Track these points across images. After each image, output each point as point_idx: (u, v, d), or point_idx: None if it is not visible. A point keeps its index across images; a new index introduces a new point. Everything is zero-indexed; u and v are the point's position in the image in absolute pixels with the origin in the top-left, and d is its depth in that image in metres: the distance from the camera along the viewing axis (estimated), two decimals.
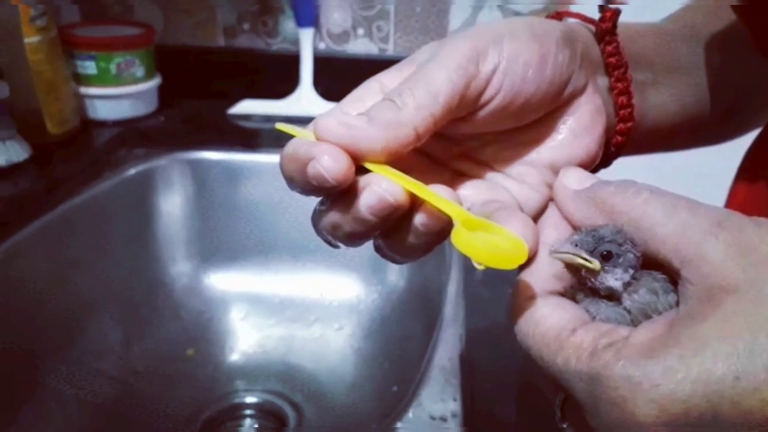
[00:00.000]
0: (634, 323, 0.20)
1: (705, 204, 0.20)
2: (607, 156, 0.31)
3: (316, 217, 0.25)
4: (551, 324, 0.20)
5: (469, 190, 0.27)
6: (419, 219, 0.23)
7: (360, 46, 0.89)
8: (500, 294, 0.52)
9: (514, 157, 0.28)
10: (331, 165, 0.21)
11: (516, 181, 0.27)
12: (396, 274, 0.76)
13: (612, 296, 0.21)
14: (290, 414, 0.66)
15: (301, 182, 0.23)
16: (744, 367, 0.17)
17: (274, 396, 0.68)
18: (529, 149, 0.28)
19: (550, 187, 0.27)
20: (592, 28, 0.30)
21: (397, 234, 0.24)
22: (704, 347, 0.17)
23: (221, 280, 0.79)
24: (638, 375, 0.17)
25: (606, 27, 0.29)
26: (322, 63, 0.86)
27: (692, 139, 0.38)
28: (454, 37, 0.25)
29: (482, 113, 0.25)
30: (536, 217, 0.26)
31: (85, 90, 0.78)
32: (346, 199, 0.23)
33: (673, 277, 0.20)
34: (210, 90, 0.89)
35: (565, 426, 0.22)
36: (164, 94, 0.86)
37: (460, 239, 0.21)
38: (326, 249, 0.88)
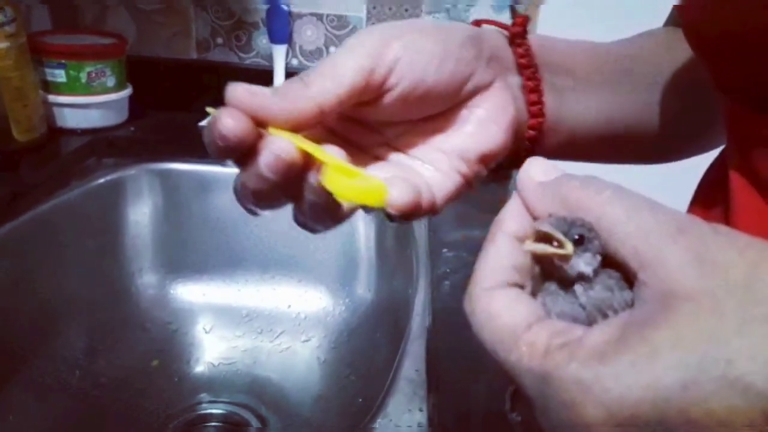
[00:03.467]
0: (590, 319, 0.20)
1: (667, 207, 0.19)
2: (523, 151, 0.34)
3: (234, 183, 0.28)
4: (507, 319, 0.20)
5: (387, 173, 0.29)
6: (312, 176, 0.26)
7: None
8: None
9: (427, 145, 0.31)
10: (230, 123, 0.24)
11: (429, 166, 0.31)
12: (363, 287, 0.77)
13: (570, 289, 0.20)
14: (256, 426, 0.66)
15: (213, 145, 0.25)
16: (693, 378, 0.16)
17: (239, 408, 0.68)
18: (441, 138, 0.31)
19: (461, 174, 0.31)
20: (506, 33, 0.34)
21: (300, 196, 0.27)
22: (655, 355, 0.17)
23: (188, 292, 0.79)
24: (589, 378, 0.17)
25: (516, 31, 0.33)
26: None
27: (622, 153, 0.40)
28: (366, 30, 0.29)
29: (387, 99, 0.28)
30: (448, 201, 0.30)
31: (54, 98, 0.77)
32: (251, 160, 0.26)
33: (629, 278, 0.20)
34: (181, 102, 0.90)
35: (513, 415, 0.22)
36: (135, 104, 0.85)
37: (328, 179, 0.25)
38: (295, 261, 0.88)
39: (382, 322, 0.71)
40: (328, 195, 0.25)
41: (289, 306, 0.78)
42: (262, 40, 0.90)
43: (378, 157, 0.31)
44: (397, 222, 0.28)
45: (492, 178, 0.34)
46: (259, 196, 0.27)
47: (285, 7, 0.85)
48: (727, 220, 0.31)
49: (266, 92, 0.26)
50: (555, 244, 0.20)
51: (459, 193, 0.31)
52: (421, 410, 0.43)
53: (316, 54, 0.90)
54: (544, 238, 0.20)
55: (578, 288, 0.20)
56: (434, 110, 0.31)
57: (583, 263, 0.20)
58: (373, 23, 0.87)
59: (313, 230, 0.29)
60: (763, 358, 0.16)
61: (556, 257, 0.20)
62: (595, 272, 0.20)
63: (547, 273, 0.21)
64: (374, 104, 0.29)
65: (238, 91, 0.25)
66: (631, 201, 0.20)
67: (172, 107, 0.89)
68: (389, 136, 0.32)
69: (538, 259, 0.21)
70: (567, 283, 0.21)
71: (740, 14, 0.26)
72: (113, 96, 0.81)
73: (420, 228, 0.67)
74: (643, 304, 0.19)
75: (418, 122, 0.31)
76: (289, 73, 0.87)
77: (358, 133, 0.31)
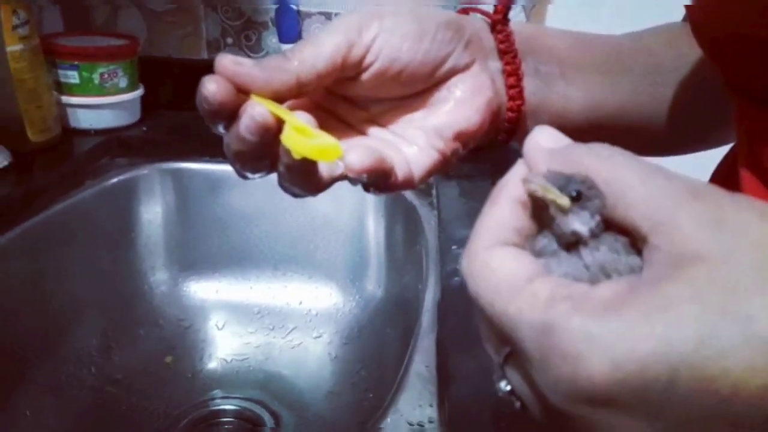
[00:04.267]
0: (593, 281, 0.19)
1: (682, 175, 0.18)
2: (503, 132, 0.36)
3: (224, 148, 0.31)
4: (507, 271, 0.19)
5: (368, 145, 0.31)
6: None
7: None
8: None
9: (408, 122, 0.33)
10: (213, 88, 0.27)
11: (407, 142, 0.33)
12: (374, 283, 0.78)
13: (575, 249, 0.19)
14: (268, 421, 0.67)
15: (200, 109, 0.28)
16: (710, 332, 0.15)
17: (252, 403, 0.69)
18: (420, 115, 0.33)
19: (437, 150, 0.33)
20: (488, 20, 0.35)
21: (276, 158, 0.29)
22: (671, 306, 0.16)
23: (200, 289, 0.80)
24: (596, 329, 0.16)
25: (497, 18, 0.35)
26: None
27: (617, 141, 0.40)
28: (350, 12, 0.31)
29: (366, 76, 0.31)
30: (426, 175, 0.32)
31: (67, 99, 0.78)
32: (234, 124, 0.28)
33: (637, 245, 0.19)
34: (193, 102, 0.90)
35: (503, 385, 0.21)
36: (147, 104, 0.86)
37: (286, 136, 0.27)
38: (305, 258, 0.89)
39: (393, 319, 0.71)
40: (305, 160, 0.28)
41: (301, 302, 0.79)
42: (271, 39, 0.90)
43: (363, 132, 0.34)
44: (374, 193, 0.31)
45: (473, 157, 0.36)
46: (241, 157, 0.29)
47: (294, 7, 0.86)
48: None
49: (250, 63, 0.28)
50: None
51: (436, 168, 0.33)
52: (431, 406, 0.43)
53: None
54: (540, 198, 0.19)
55: (583, 247, 0.19)
56: (412, 89, 0.32)
57: (579, 222, 0.19)
58: None
59: (294, 194, 0.31)
60: None
61: (554, 205, 0.19)
62: (594, 234, 0.19)
63: (546, 224, 0.20)
64: (355, 80, 0.31)
65: (224, 60, 0.28)
66: (644, 166, 0.19)
67: (183, 107, 0.90)
68: (374, 113, 0.34)
69: (535, 210, 0.20)
70: (563, 242, 0.20)
71: (748, 16, 0.26)
72: (125, 96, 0.82)
73: (429, 224, 0.67)
74: (654, 266, 0.17)
75: (401, 100, 0.33)
76: None
77: (345, 109, 0.34)
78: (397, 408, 0.43)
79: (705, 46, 0.32)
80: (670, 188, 0.18)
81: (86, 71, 0.78)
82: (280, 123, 0.28)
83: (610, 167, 0.19)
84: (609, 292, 0.17)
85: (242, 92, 0.28)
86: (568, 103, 0.36)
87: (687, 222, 0.17)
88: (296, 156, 0.27)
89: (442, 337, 0.49)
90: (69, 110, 0.79)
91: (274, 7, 0.87)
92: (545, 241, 0.20)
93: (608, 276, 0.19)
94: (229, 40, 0.91)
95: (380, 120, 0.34)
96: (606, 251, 0.19)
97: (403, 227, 0.72)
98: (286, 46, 0.86)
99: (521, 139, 0.37)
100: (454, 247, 0.61)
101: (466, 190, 0.68)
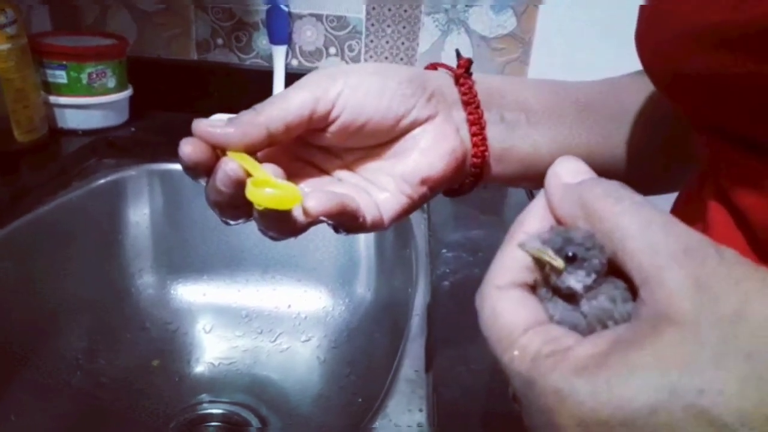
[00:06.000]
0: (589, 328, 0.21)
1: (681, 225, 0.20)
2: (470, 177, 0.38)
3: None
4: (507, 320, 0.21)
5: (343, 191, 0.34)
6: None
7: (332, 63, 0.91)
8: (467, 307, 0.54)
9: (378, 169, 0.36)
10: (188, 150, 0.31)
11: (378, 188, 0.35)
12: (363, 286, 0.77)
13: (573, 297, 0.21)
14: (256, 425, 0.66)
15: (181, 164, 0.32)
16: (663, 403, 0.17)
17: (239, 407, 0.68)
18: (389, 163, 0.36)
19: (406, 195, 0.35)
20: (451, 74, 0.38)
21: (251, 207, 0.31)
22: (631, 376, 0.18)
23: (188, 292, 0.79)
24: (566, 389, 0.18)
25: (459, 72, 0.37)
26: (294, 79, 0.87)
27: None
28: (318, 71, 0.34)
29: (333, 128, 0.34)
30: (395, 219, 0.35)
31: (55, 99, 0.78)
32: (211, 177, 0.32)
33: (634, 289, 0.20)
34: (182, 103, 0.90)
35: (516, 406, 0.23)
36: (136, 105, 0.86)
37: (248, 190, 0.30)
38: (294, 261, 0.88)
39: (382, 322, 0.71)
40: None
41: (289, 306, 0.79)
42: (262, 40, 0.90)
43: (338, 180, 0.36)
44: (344, 234, 0.34)
45: (451, 197, 0.40)
46: (219, 206, 0.33)
47: (285, 8, 0.86)
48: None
49: (222, 123, 0.32)
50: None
51: (405, 211, 0.36)
52: (420, 410, 0.43)
53: (316, 55, 0.90)
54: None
55: (581, 297, 0.21)
56: (377, 139, 0.35)
57: (574, 280, 0.21)
58: (373, 24, 0.88)
59: (272, 237, 0.34)
60: (732, 392, 0.17)
61: (549, 266, 0.21)
62: (590, 287, 0.21)
63: (546, 279, 0.22)
64: (324, 132, 0.34)
65: (200, 125, 0.31)
66: (647, 215, 0.20)
67: (172, 108, 0.90)
68: (347, 161, 0.37)
69: (536, 262, 0.22)
70: (560, 294, 0.21)
71: (686, 60, 0.26)
72: (114, 97, 0.81)
73: (420, 228, 0.67)
74: (637, 321, 0.19)
75: (370, 149, 0.36)
76: (289, 74, 0.88)
77: (321, 158, 0.37)
78: (386, 413, 0.43)
79: (661, 88, 0.32)
80: (665, 242, 0.19)
81: (74, 71, 0.77)
82: (246, 174, 0.31)
83: (616, 214, 0.20)
84: (586, 353, 0.19)
85: (219, 149, 0.32)
86: (537, 148, 0.39)
87: (671, 282, 0.18)
88: (258, 207, 0.30)
89: (431, 341, 0.49)
90: (56, 110, 0.78)
91: (265, 8, 0.87)
92: (544, 290, 0.22)
93: (604, 324, 0.20)
94: (219, 41, 0.91)
95: (353, 167, 0.37)
96: (603, 300, 0.20)
97: (393, 231, 0.72)
98: (276, 48, 0.86)
99: (487, 182, 0.39)
100: (444, 250, 0.61)
101: None
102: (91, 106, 0.79)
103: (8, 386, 0.60)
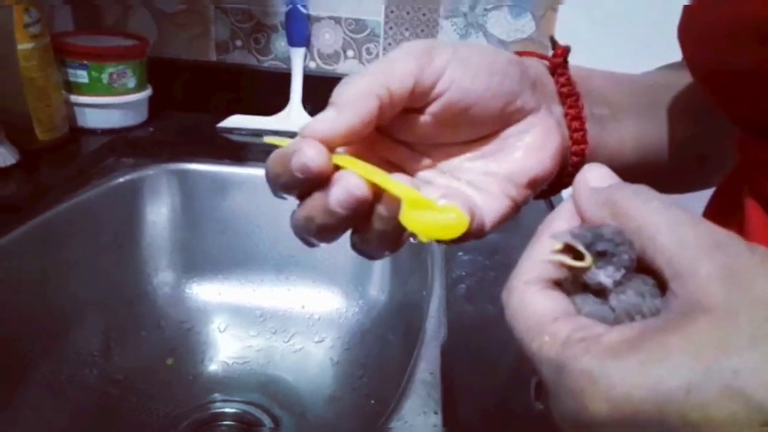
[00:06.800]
0: (618, 322, 0.21)
1: (709, 223, 0.20)
2: (566, 177, 0.34)
3: (293, 215, 0.28)
4: (536, 309, 0.21)
5: (434, 195, 0.28)
6: (382, 205, 0.26)
7: (349, 66, 0.91)
8: (482, 309, 0.54)
9: (477, 169, 0.31)
10: (313, 155, 0.25)
11: (478, 190, 0.30)
12: (377, 288, 0.77)
13: (602, 292, 0.21)
14: (269, 425, 0.66)
15: (287, 176, 0.26)
16: (697, 383, 0.17)
17: (252, 407, 0.68)
18: (490, 161, 0.31)
19: (510, 197, 0.30)
20: (547, 63, 0.34)
21: (365, 225, 0.27)
22: (665, 358, 0.18)
23: (203, 291, 0.79)
24: (598, 372, 0.18)
25: (557, 62, 0.34)
26: (311, 82, 0.88)
27: (656, 182, 0.41)
28: (413, 41, 0.29)
29: (434, 107, 0.28)
30: (497, 225, 0.30)
31: (75, 98, 0.79)
32: (319, 194, 0.26)
33: (663, 286, 0.20)
34: (200, 104, 0.91)
35: (537, 404, 0.23)
36: (155, 105, 0.87)
37: (406, 217, 0.24)
38: (309, 262, 0.88)
39: (395, 325, 0.71)
40: (398, 226, 0.25)
41: (303, 306, 0.79)
42: (280, 43, 0.91)
43: (426, 182, 0.31)
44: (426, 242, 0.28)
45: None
46: (325, 230, 0.27)
47: (303, 11, 0.86)
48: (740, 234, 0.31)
49: (332, 114, 0.26)
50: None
51: (507, 216, 0.30)
52: (435, 413, 0.43)
53: (334, 57, 0.91)
54: (569, 246, 0.21)
55: (610, 292, 0.21)
56: (477, 130, 0.30)
57: (604, 275, 0.21)
58: (391, 27, 0.88)
59: (372, 257, 0.29)
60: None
61: (574, 269, 0.21)
62: (620, 282, 0.21)
63: (574, 275, 0.22)
64: (420, 113, 0.29)
65: (311, 125, 0.26)
66: (675, 213, 0.20)
67: (191, 108, 0.90)
68: (438, 159, 0.31)
69: (562, 264, 0.22)
70: (590, 290, 0.21)
71: (735, 51, 0.26)
72: (133, 97, 0.82)
73: None
74: (668, 313, 0.19)
75: (467, 144, 0.31)
76: (307, 76, 0.88)
77: (406, 157, 0.31)
78: (401, 415, 0.43)
79: (700, 80, 0.32)
80: (695, 237, 0.19)
81: (95, 71, 0.78)
82: (374, 189, 0.25)
83: (645, 213, 0.21)
84: (618, 337, 0.19)
85: (331, 149, 0.26)
86: (622, 143, 0.36)
87: (703, 274, 0.18)
88: (424, 239, 0.24)
89: (446, 344, 0.49)
90: (77, 109, 0.79)
91: (284, 10, 0.87)
92: (572, 286, 0.22)
93: (632, 318, 0.21)
94: (239, 43, 0.91)
95: (443, 167, 0.31)
96: (632, 294, 0.21)
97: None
98: (295, 50, 0.87)
99: None
100: (460, 253, 0.61)
101: None
102: (111, 105, 0.80)
103: (24, 382, 0.60)
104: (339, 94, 0.26)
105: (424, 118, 0.29)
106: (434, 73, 0.27)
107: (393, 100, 0.27)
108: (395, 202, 0.25)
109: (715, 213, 0.37)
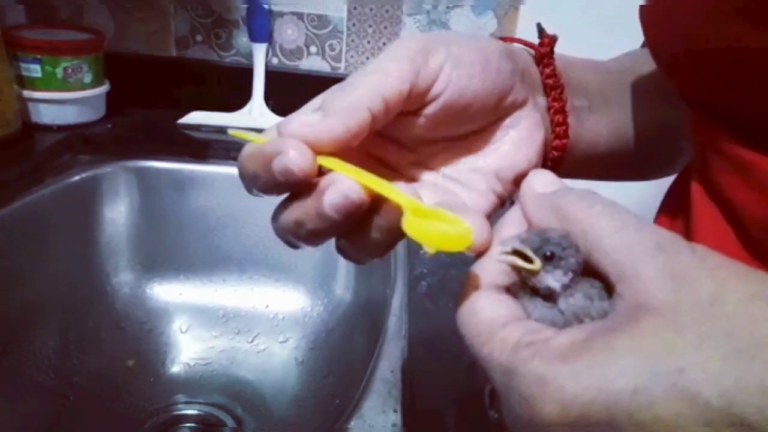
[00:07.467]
0: (567, 325, 0.21)
1: (652, 225, 0.20)
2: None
3: (278, 216, 0.26)
4: (486, 316, 0.21)
5: (423, 193, 0.27)
6: (381, 214, 0.24)
7: (312, 63, 0.90)
8: (443, 306, 0.54)
9: (463, 165, 0.30)
10: (297, 158, 0.23)
11: (465, 187, 0.30)
12: (342, 287, 0.77)
13: (551, 296, 0.22)
14: (231, 426, 0.66)
15: (266, 178, 0.24)
16: (644, 384, 0.17)
17: (215, 408, 0.68)
18: (477, 158, 0.30)
19: (496, 194, 0.30)
20: (533, 52, 0.33)
21: (358, 232, 0.25)
22: (612, 359, 0.18)
23: (164, 291, 0.78)
24: (548, 375, 0.19)
25: (544, 51, 0.33)
26: (274, 78, 0.87)
27: (626, 170, 0.40)
28: (404, 37, 0.27)
29: (431, 109, 0.27)
30: None
31: (29, 93, 0.76)
32: (308, 197, 0.24)
33: (609, 288, 0.21)
34: (160, 100, 0.89)
35: (492, 412, 0.23)
36: (113, 101, 0.84)
37: (410, 226, 0.22)
38: (273, 261, 0.87)
39: (360, 323, 0.71)
40: (396, 234, 0.24)
41: (267, 306, 0.78)
42: (242, 38, 0.89)
43: (412, 178, 0.30)
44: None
45: None
46: (315, 235, 0.25)
47: (265, 6, 0.85)
48: (688, 230, 0.32)
49: (318, 118, 0.24)
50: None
51: (492, 213, 0.30)
52: (395, 411, 0.43)
53: (297, 53, 0.90)
54: (518, 251, 0.21)
55: (559, 295, 0.21)
56: (473, 125, 0.29)
57: (552, 279, 0.21)
58: (354, 24, 0.87)
59: (359, 262, 0.27)
60: (715, 370, 0.17)
61: (524, 271, 0.21)
62: (568, 286, 0.21)
63: (523, 280, 0.22)
64: (416, 116, 0.27)
65: (293, 124, 0.24)
66: (619, 217, 0.21)
67: (150, 104, 0.88)
68: (424, 155, 0.30)
69: (513, 267, 0.22)
70: (539, 294, 0.22)
71: (698, 33, 0.26)
72: (90, 92, 0.80)
73: None
74: (615, 315, 0.20)
75: (454, 140, 0.30)
76: (269, 72, 0.87)
77: (391, 153, 0.30)
78: (361, 413, 0.43)
79: (662, 64, 0.32)
80: (639, 239, 0.20)
81: (49, 65, 0.76)
82: (369, 195, 0.24)
83: (590, 216, 0.21)
84: (567, 340, 0.19)
85: (317, 151, 0.24)
86: (597, 137, 0.35)
87: (647, 275, 0.19)
88: (431, 250, 0.22)
89: (408, 341, 0.49)
90: (30, 105, 0.77)
91: (245, 5, 0.86)
92: (521, 291, 0.22)
93: (581, 321, 0.21)
94: (199, 38, 0.90)
95: (429, 163, 0.30)
96: (580, 297, 0.21)
97: None
98: (256, 46, 0.86)
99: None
100: (422, 251, 0.61)
101: None
102: (66, 101, 0.78)
103: None
104: (331, 101, 0.25)
105: (418, 119, 0.28)
106: (430, 76, 0.26)
107: (388, 108, 0.25)
108: (394, 210, 0.24)
109: (668, 209, 0.37)
